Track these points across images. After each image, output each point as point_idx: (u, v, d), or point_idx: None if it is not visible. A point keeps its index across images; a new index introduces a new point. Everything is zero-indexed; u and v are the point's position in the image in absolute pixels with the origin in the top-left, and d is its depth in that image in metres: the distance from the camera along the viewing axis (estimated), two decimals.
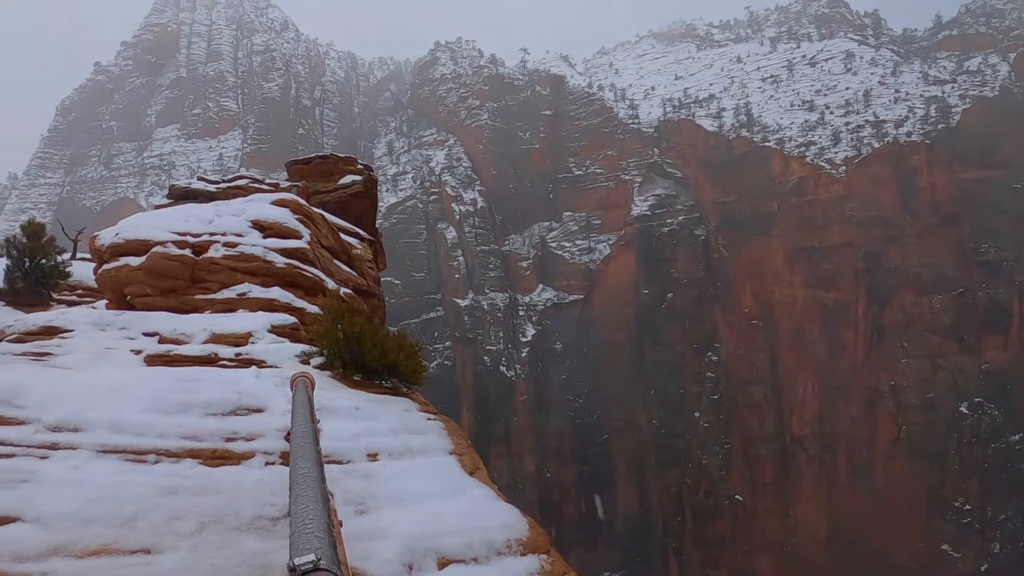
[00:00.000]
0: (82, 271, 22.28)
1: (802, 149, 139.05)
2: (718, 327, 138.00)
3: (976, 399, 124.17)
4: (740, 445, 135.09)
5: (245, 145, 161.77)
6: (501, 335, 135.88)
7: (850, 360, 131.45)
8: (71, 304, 19.86)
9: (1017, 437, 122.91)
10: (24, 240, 20.76)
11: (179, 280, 13.87)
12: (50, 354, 11.26)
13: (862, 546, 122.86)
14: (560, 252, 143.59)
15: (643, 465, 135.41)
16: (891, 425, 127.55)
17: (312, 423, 5.55)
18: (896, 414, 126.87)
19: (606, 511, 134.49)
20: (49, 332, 13.03)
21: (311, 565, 2.85)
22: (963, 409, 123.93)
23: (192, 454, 6.63)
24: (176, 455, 6.56)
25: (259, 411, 7.76)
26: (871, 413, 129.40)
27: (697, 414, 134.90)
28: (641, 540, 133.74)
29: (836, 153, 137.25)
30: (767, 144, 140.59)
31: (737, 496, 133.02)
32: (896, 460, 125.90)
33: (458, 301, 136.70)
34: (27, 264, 20.38)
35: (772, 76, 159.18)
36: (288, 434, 6.43)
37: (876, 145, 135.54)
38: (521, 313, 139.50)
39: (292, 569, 2.86)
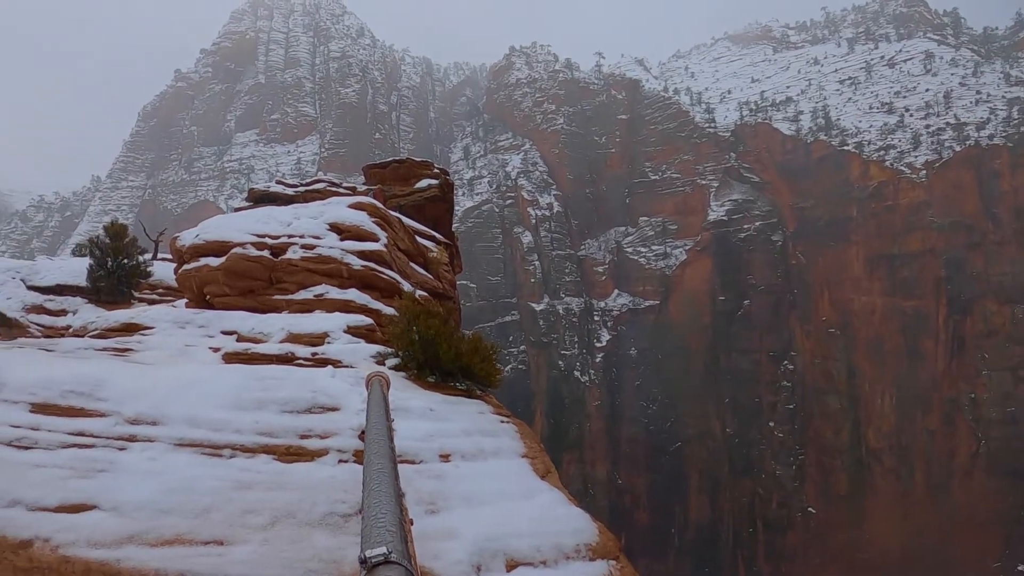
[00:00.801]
0: (163, 271, 22.86)
1: (881, 153, 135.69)
2: (795, 335, 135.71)
3: None
4: (815, 456, 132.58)
5: (323, 149, 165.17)
6: (576, 340, 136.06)
7: (929, 371, 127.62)
8: (152, 303, 20.35)
9: None
10: (107, 240, 21.29)
11: (257, 280, 14.10)
12: (131, 350, 11.60)
13: (936, 563, 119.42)
14: (636, 257, 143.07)
15: (716, 474, 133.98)
16: (970, 439, 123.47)
17: (387, 421, 5.56)
18: (975, 428, 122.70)
19: (677, 520, 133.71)
20: (130, 329, 13.53)
21: (382, 558, 2.91)
22: None
23: (267, 450, 6.72)
24: (251, 450, 6.66)
25: (334, 410, 7.79)
26: (950, 426, 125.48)
27: (772, 423, 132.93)
28: (711, 550, 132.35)
29: (916, 157, 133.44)
30: (845, 148, 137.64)
31: (810, 508, 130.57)
32: (975, 476, 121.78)
33: (533, 305, 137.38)
34: (110, 263, 20.98)
35: (850, 78, 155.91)
36: (362, 433, 6.48)
37: (957, 148, 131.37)
38: (596, 318, 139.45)
39: (363, 561, 2.93)
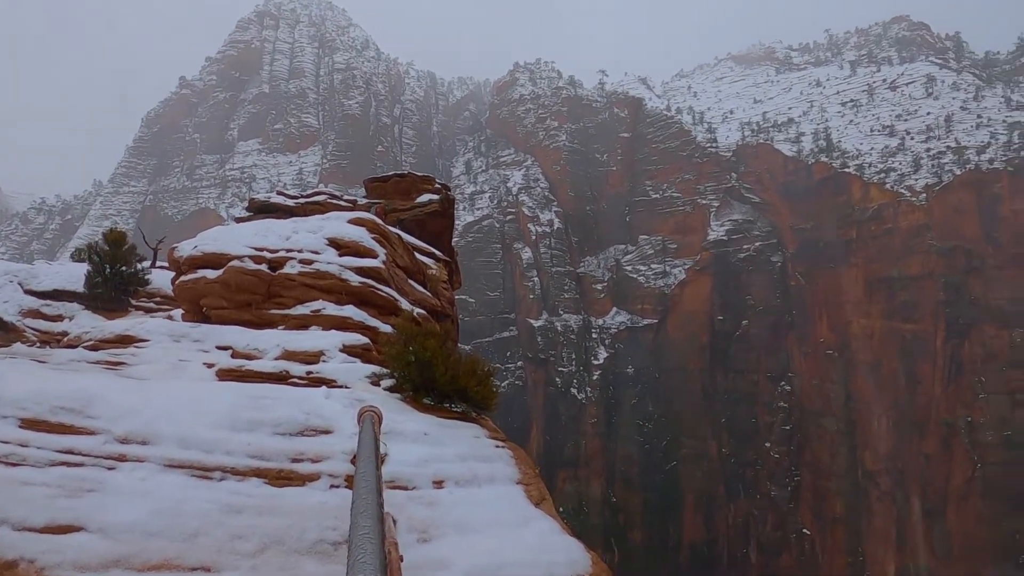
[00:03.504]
0: (161, 279, 22.53)
1: (882, 175, 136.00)
2: (792, 356, 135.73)
3: None
4: (810, 478, 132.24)
5: (324, 160, 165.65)
6: (573, 357, 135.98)
7: (927, 394, 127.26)
8: (149, 311, 20.36)
9: None
10: (106, 247, 21.33)
11: (255, 295, 14.00)
12: (124, 363, 11.40)
13: None
14: (635, 275, 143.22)
15: (711, 494, 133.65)
16: (967, 463, 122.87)
17: (376, 469, 5.31)
18: (972, 452, 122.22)
19: (671, 539, 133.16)
20: (125, 341, 13.33)
21: None
22: None
23: (258, 473, 6.64)
24: (242, 473, 6.58)
25: (327, 432, 7.67)
26: (947, 450, 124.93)
27: (768, 444, 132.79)
28: (706, 570, 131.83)
29: (917, 180, 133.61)
30: (846, 170, 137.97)
31: (805, 530, 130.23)
32: (971, 500, 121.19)
33: (532, 321, 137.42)
34: (107, 270, 20.97)
35: (852, 100, 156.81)
36: (354, 457, 6.33)
37: (957, 172, 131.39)
38: (594, 336, 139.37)
39: None
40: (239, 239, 14.95)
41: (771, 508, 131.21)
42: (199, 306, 14.48)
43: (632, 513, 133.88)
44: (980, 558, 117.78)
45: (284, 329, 13.02)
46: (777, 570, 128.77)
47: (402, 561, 4.13)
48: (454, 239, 29.99)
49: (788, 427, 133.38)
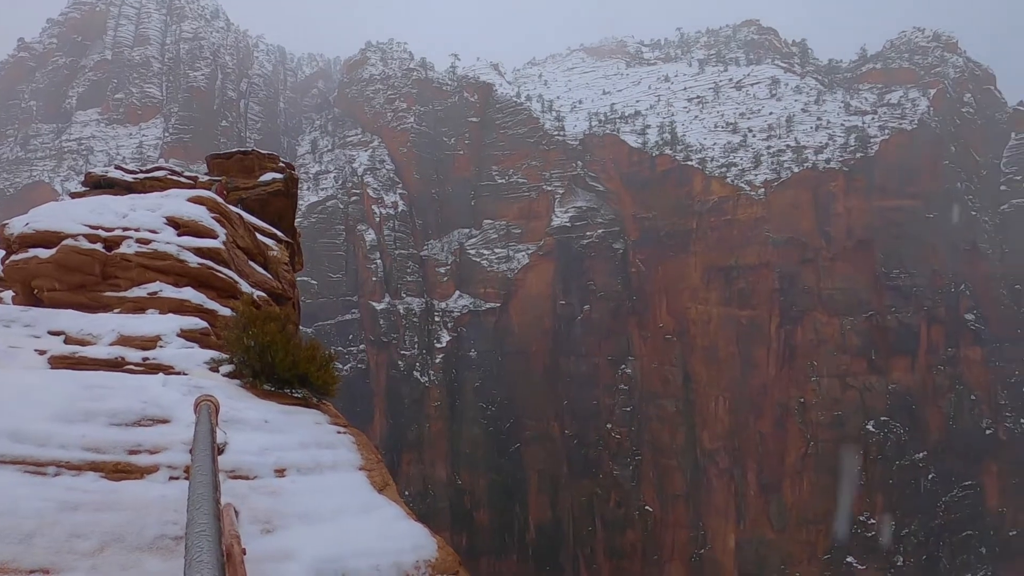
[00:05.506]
0: None
1: (723, 170, 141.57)
2: (633, 340, 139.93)
3: (883, 418, 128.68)
4: (652, 457, 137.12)
5: (166, 134, 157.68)
6: (416, 340, 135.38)
7: (762, 377, 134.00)
8: None
9: (921, 455, 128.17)
10: None
11: (89, 276, 13.43)
12: None
13: (770, 557, 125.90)
14: (479, 260, 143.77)
15: (555, 474, 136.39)
16: (800, 441, 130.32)
17: (213, 464, 5.08)
18: (805, 431, 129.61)
19: (518, 520, 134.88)
20: None
21: None
22: (870, 427, 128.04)
23: (94, 467, 6.36)
24: (78, 467, 6.27)
25: (164, 422, 7.47)
26: (781, 429, 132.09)
27: (609, 425, 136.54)
28: (553, 549, 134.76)
29: (756, 176, 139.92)
30: (689, 163, 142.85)
31: (647, 507, 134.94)
32: (805, 475, 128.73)
33: (374, 304, 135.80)
34: None
35: (698, 97, 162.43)
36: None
37: (796, 170, 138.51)
38: (437, 319, 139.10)
39: None
40: (74, 216, 14.29)
41: (614, 487, 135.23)
42: (30, 288, 13.72)
43: (478, 495, 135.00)
44: (815, 529, 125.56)
45: (120, 313, 12.57)
46: (622, 546, 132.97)
47: (245, 554, 4.02)
48: (297, 220, 29.18)
49: (629, 408, 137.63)
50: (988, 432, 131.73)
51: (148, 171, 24.27)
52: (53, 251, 13.47)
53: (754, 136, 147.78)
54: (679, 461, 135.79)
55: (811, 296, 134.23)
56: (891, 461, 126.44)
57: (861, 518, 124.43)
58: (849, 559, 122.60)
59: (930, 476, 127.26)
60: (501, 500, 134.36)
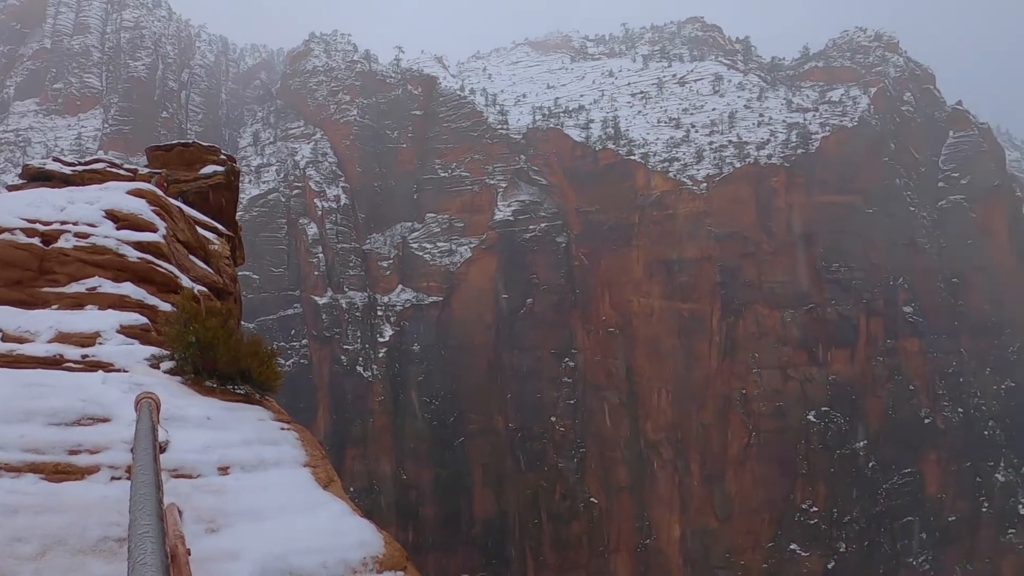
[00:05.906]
0: None
1: (666, 164, 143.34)
2: (576, 334, 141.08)
3: (823, 408, 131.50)
4: (596, 449, 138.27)
5: (106, 126, 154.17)
6: (359, 335, 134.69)
7: (704, 369, 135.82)
8: None
9: (861, 444, 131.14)
10: None
11: (26, 271, 12.97)
12: None
13: (715, 547, 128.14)
14: (421, 253, 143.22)
15: (500, 468, 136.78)
16: (743, 432, 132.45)
17: (155, 463, 5.01)
18: (747, 421, 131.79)
19: (464, 514, 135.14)
20: None
21: None
22: (811, 417, 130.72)
23: (34, 468, 6.21)
24: (17, 469, 6.13)
25: (105, 420, 7.27)
26: (724, 420, 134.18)
27: (554, 418, 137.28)
28: (499, 542, 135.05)
29: (698, 170, 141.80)
30: (632, 158, 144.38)
31: (592, 499, 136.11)
32: (747, 465, 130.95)
33: (316, 299, 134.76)
34: None
35: (642, 92, 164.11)
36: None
37: (738, 165, 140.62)
38: (380, 313, 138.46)
39: None
40: (10, 209, 13.74)
41: (559, 479, 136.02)
42: None
43: (423, 489, 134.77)
44: (758, 518, 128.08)
45: (59, 309, 12.06)
46: (568, 537, 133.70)
47: (190, 555, 3.95)
48: (238, 213, 29.08)
49: (573, 401, 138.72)
50: (927, 421, 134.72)
51: (87, 163, 24.10)
52: None
53: (697, 132, 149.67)
54: (623, 453, 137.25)
55: (752, 289, 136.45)
56: (832, 450, 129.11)
57: (803, 506, 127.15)
58: (792, 546, 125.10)
59: (871, 464, 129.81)
60: (446, 494, 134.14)
